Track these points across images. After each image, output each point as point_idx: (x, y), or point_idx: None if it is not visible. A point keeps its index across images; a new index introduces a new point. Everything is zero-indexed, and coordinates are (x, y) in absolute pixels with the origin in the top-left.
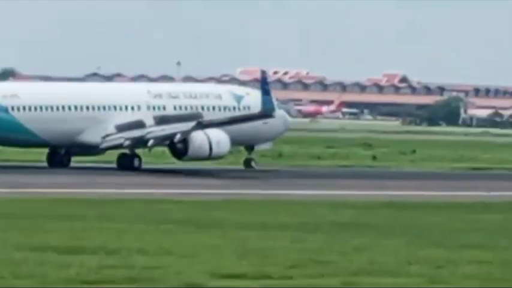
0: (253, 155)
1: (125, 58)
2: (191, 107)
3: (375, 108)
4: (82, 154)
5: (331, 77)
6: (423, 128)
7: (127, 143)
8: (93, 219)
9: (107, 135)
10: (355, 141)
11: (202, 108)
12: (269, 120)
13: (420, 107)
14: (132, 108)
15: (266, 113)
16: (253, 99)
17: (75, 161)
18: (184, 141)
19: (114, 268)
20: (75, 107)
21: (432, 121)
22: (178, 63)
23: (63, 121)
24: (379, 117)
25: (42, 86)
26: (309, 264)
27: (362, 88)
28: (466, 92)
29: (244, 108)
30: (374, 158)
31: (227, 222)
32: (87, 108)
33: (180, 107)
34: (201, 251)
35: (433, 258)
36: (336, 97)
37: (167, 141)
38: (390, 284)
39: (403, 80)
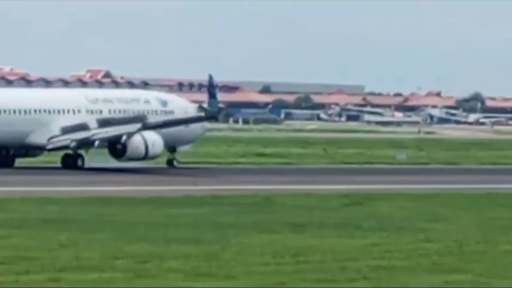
0: (175, 155)
1: None
2: (124, 111)
3: None
4: (26, 155)
5: (35, 73)
6: None
7: (73, 144)
8: None
9: (52, 137)
10: None
11: (133, 112)
12: (190, 125)
13: None
14: (74, 111)
15: (212, 115)
16: (176, 104)
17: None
18: (122, 142)
19: None
20: (24, 111)
21: None
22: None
23: (12, 124)
24: None
25: None
26: (15, 261)
27: (66, 84)
28: (170, 87)
29: (169, 112)
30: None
31: None
32: (34, 111)
33: (114, 111)
34: None
35: (139, 253)
36: None
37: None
38: (96, 279)
39: (107, 75)
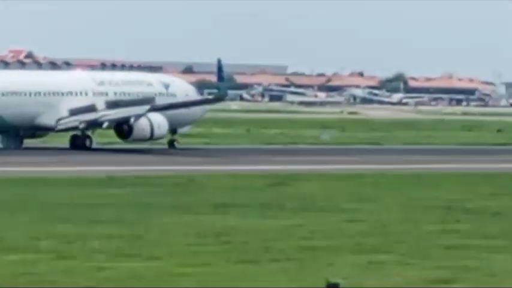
0: (175, 137)
1: None
2: (129, 94)
3: None
4: (34, 136)
5: None
6: None
7: (82, 125)
8: None
9: (61, 119)
10: None
11: (138, 94)
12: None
13: None
14: (81, 93)
15: (221, 97)
16: (177, 86)
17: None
18: (128, 124)
19: None
20: (33, 93)
21: None
22: None
23: (22, 106)
24: None
25: (7, 74)
26: None
27: None
28: (93, 67)
29: (171, 94)
30: None
31: None
32: (43, 94)
33: (119, 93)
34: None
35: (62, 234)
36: None
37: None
38: (18, 260)
39: (29, 55)
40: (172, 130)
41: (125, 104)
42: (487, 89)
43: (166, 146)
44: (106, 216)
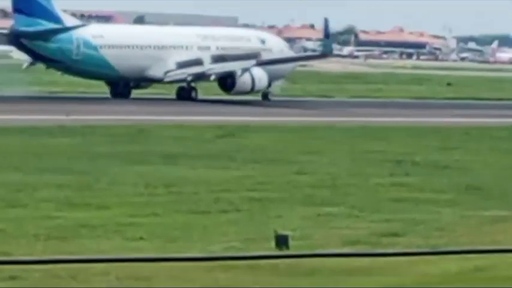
0: (270, 89)
1: None
2: (229, 48)
3: None
4: (138, 87)
5: None
6: None
7: (189, 78)
8: None
9: (168, 71)
10: None
11: (238, 49)
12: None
13: None
14: (186, 48)
15: (325, 54)
16: (273, 42)
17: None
18: (232, 77)
19: None
20: (144, 47)
21: None
22: None
23: (133, 58)
24: None
25: (119, 28)
26: None
27: None
28: None
29: (268, 50)
30: None
31: None
32: (154, 47)
33: (221, 48)
34: None
35: (11, 182)
36: None
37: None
38: None
39: None
40: (268, 83)
41: (231, 59)
42: (437, 43)
43: (260, 98)
44: (56, 165)
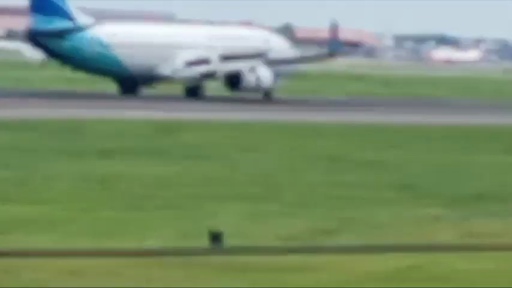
0: (272, 88)
1: None
2: (236, 48)
3: None
4: (147, 84)
5: None
6: None
7: (198, 76)
8: None
9: (177, 69)
10: None
11: (244, 48)
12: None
13: None
14: (195, 47)
15: (332, 54)
16: (276, 42)
17: None
18: (237, 75)
19: None
20: (152, 46)
21: None
22: None
23: (146, 57)
24: None
25: (129, 27)
26: None
27: None
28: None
29: (271, 49)
30: None
31: None
32: (163, 46)
33: (228, 47)
34: None
35: None
36: None
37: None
38: None
39: None
40: (273, 82)
41: (237, 58)
42: (375, 42)
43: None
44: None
